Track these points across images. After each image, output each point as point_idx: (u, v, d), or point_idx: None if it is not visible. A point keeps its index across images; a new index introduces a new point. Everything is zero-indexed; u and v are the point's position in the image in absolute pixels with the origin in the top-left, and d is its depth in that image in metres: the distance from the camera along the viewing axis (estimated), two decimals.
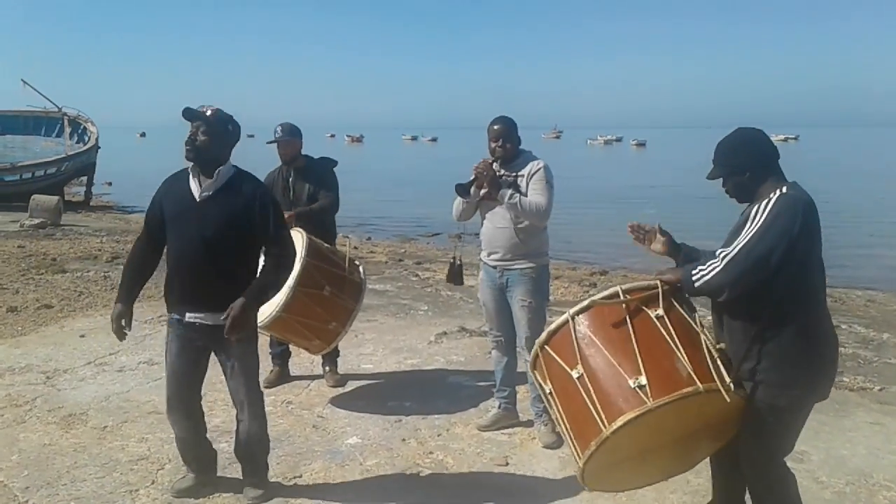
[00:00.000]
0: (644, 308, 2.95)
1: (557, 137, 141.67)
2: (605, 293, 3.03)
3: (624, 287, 3.01)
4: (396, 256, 12.78)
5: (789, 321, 2.83)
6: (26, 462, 4.14)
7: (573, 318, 3.01)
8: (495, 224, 4.43)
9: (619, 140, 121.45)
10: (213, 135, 3.47)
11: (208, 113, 3.48)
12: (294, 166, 5.39)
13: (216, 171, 3.48)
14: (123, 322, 3.61)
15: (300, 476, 4.04)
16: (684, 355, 2.82)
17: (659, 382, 2.78)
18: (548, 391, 3.12)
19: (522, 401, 4.86)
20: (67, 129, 23.17)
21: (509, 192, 4.27)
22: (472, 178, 4.36)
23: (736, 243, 2.79)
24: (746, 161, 2.96)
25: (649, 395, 2.76)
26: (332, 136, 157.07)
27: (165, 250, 3.61)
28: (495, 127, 4.44)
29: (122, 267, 10.07)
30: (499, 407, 4.76)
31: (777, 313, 2.82)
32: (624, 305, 2.95)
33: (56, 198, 16.12)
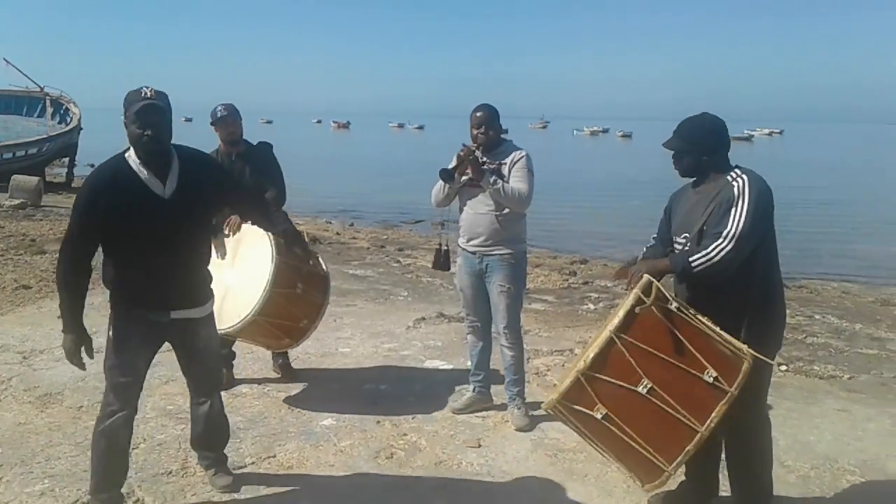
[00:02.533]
0: (665, 305, 2.99)
1: (544, 128, 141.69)
2: (630, 301, 2.97)
3: (635, 293, 3.00)
4: (379, 243, 12.81)
5: (767, 287, 3.17)
6: (0, 440, 4.14)
7: (618, 336, 2.95)
8: (476, 210, 4.47)
9: (605, 131, 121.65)
10: (168, 121, 3.08)
11: (151, 95, 3.04)
12: (234, 151, 5.02)
13: (171, 162, 3.13)
14: (84, 350, 3.32)
15: (274, 456, 4.07)
16: (715, 336, 2.96)
17: (724, 369, 2.92)
18: (600, 416, 2.99)
19: (496, 384, 4.90)
20: (49, 110, 22.93)
21: (493, 177, 4.32)
22: (454, 163, 4.38)
23: (735, 222, 2.99)
24: (713, 143, 3.23)
25: (725, 383, 2.89)
26: (319, 121, 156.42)
27: (120, 254, 3.21)
28: (478, 114, 4.47)
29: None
30: (473, 390, 4.81)
31: (761, 282, 3.14)
32: (653, 308, 2.96)
33: (37, 178, 15.99)
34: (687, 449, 2.92)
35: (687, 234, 3.22)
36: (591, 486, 3.84)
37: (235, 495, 3.63)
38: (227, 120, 5.00)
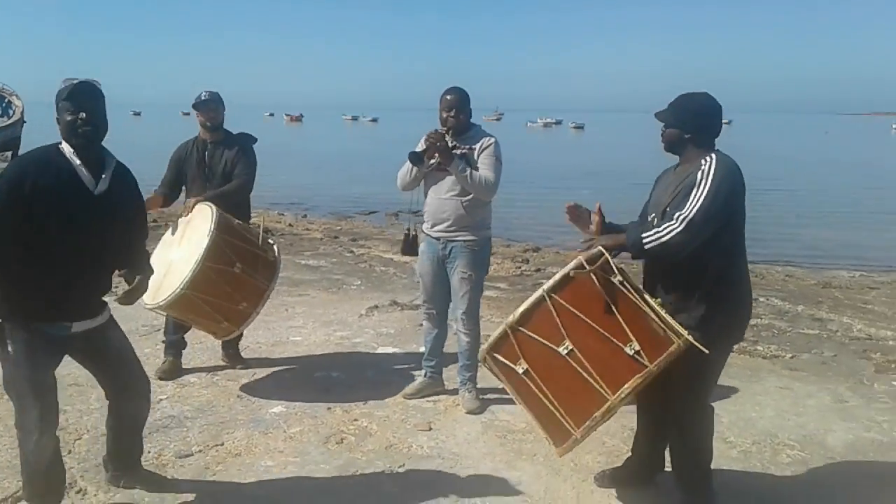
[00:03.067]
0: (606, 276, 3.00)
1: (498, 119, 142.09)
2: (571, 265, 3.01)
3: (578, 259, 3.03)
4: (332, 233, 12.74)
5: (727, 273, 3.14)
6: None
7: (549, 296, 2.99)
8: (440, 195, 4.44)
9: (558, 123, 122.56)
10: (103, 108, 2.94)
11: (80, 81, 2.91)
12: (212, 139, 5.04)
13: (104, 158, 3.00)
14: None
15: (222, 444, 4.03)
16: (652, 314, 2.97)
17: (649, 345, 2.93)
18: (521, 371, 3.06)
19: (448, 370, 4.92)
20: None
21: (461, 163, 4.30)
22: (423, 147, 4.36)
23: (691, 206, 2.96)
24: (698, 123, 3.22)
25: (646, 358, 2.90)
26: (272, 115, 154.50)
27: (33, 250, 2.86)
28: (448, 97, 4.43)
29: None
30: (425, 375, 4.82)
31: (719, 266, 3.10)
32: (593, 276, 2.98)
33: None
34: (595, 415, 2.93)
35: (654, 214, 3.24)
36: (539, 465, 3.88)
37: (182, 483, 3.59)
38: (210, 105, 5.05)
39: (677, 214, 2.97)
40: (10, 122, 22.13)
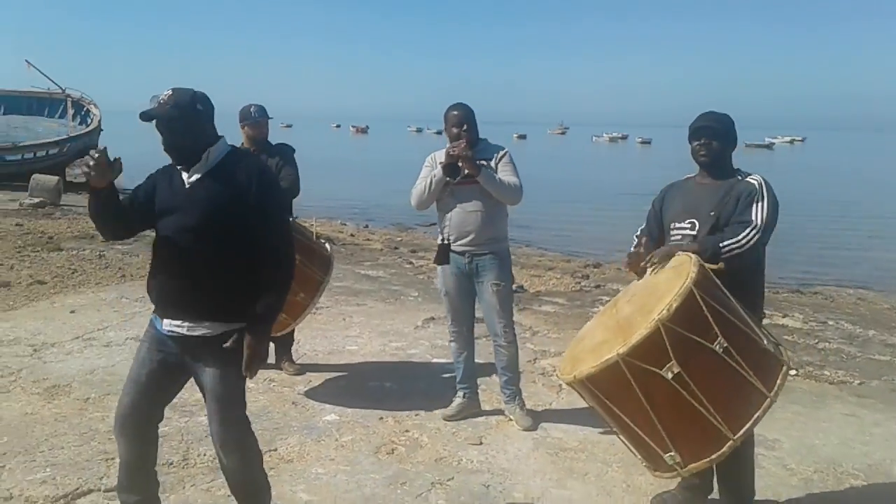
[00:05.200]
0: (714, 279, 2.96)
1: (563, 133, 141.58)
2: (695, 259, 2.88)
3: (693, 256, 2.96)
4: (392, 244, 12.85)
5: (761, 280, 3.36)
6: (6, 429, 4.19)
7: (697, 290, 2.72)
8: (466, 209, 4.40)
9: (624, 138, 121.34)
10: (183, 125, 2.84)
11: (165, 102, 2.83)
12: (256, 149, 5.11)
13: (205, 153, 2.88)
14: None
15: (275, 449, 4.09)
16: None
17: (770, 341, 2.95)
18: (671, 376, 2.68)
19: (485, 391, 4.88)
20: (70, 111, 23.22)
21: (489, 171, 4.32)
22: (448, 161, 4.35)
23: (761, 213, 3.13)
24: (735, 138, 3.42)
25: (780, 353, 2.93)
26: (338, 126, 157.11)
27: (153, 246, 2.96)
28: (455, 112, 4.45)
29: (118, 246, 10.14)
30: (462, 396, 4.71)
31: (755, 284, 3.31)
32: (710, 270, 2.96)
33: (56, 178, 16.20)
34: (757, 415, 2.72)
35: (693, 220, 3.29)
36: (590, 484, 3.82)
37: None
38: (260, 121, 5.22)
39: (755, 221, 3.10)
40: (88, 129, 23.05)
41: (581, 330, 3.47)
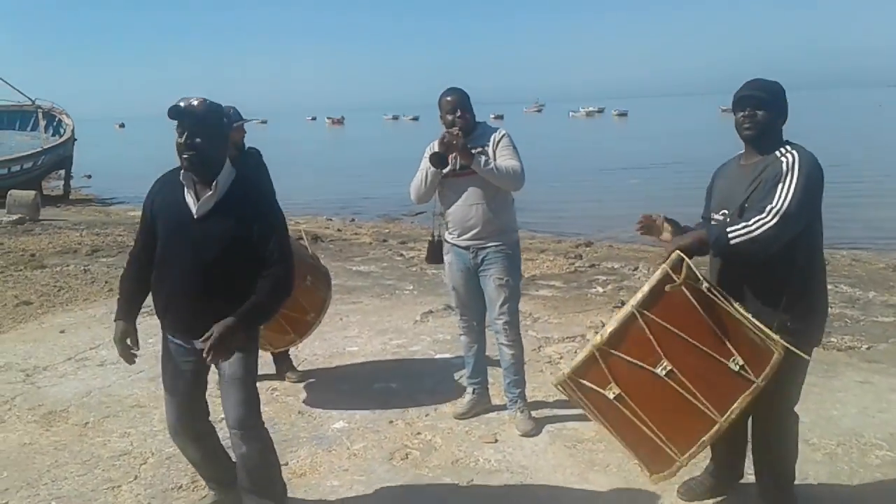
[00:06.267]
0: (695, 285, 2.79)
1: (539, 111, 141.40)
2: (657, 276, 2.78)
3: (663, 268, 2.81)
4: (381, 237, 12.70)
5: (809, 275, 2.98)
6: (5, 463, 4.04)
7: (640, 312, 2.74)
8: (467, 202, 4.21)
9: (600, 111, 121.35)
10: (210, 134, 2.88)
11: (197, 105, 2.86)
12: (235, 157, 5.03)
13: (215, 182, 2.91)
14: (129, 342, 3.12)
15: (286, 464, 3.95)
16: (746, 322, 2.79)
17: (752, 358, 2.75)
18: (612, 396, 2.79)
19: (493, 384, 4.76)
20: (42, 122, 22.85)
21: (483, 158, 4.09)
22: (439, 150, 4.11)
23: (782, 197, 2.78)
24: (786, 107, 3.05)
25: (752, 373, 2.72)
26: (314, 118, 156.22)
27: (156, 265, 3.06)
28: (448, 98, 4.23)
29: (102, 259, 9.97)
30: (472, 392, 4.60)
31: (805, 263, 2.95)
32: (683, 287, 2.75)
33: (33, 192, 15.88)
34: (702, 440, 2.76)
35: (726, 210, 3.04)
36: (613, 476, 3.74)
37: None
38: (239, 125, 4.98)
39: (769, 207, 2.77)
40: (61, 140, 22.72)
41: None
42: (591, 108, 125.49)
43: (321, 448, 4.16)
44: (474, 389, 4.60)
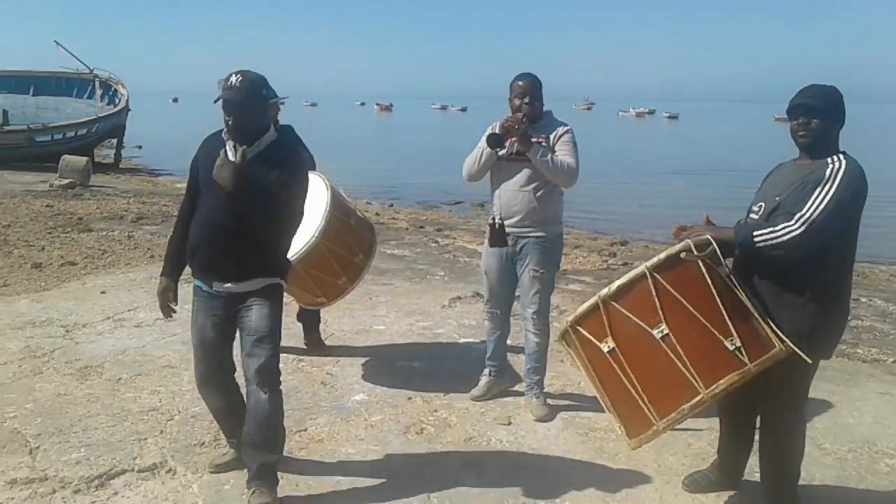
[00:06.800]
0: (715, 267, 2.86)
1: (589, 109, 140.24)
2: (679, 246, 2.86)
3: (686, 242, 2.88)
4: (417, 223, 12.82)
5: (836, 280, 2.99)
6: (40, 410, 4.24)
7: (651, 274, 2.80)
8: (516, 187, 4.23)
9: (651, 112, 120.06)
10: (252, 110, 3.17)
11: (236, 84, 3.13)
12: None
13: (258, 142, 3.20)
14: (170, 296, 3.39)
15: (305, 430, 4.11)
16: (756, 314, 2.85)
17: (751, 344, 2.80)
18: (606, 349, 2.88)
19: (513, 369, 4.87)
20: (98, 91, 23.37)
21: (541, 148, 4.10)
22: (500, 131, 4.13)
23: (814, 206, 2.80)
24: (843, 113, 3.04)
25: (746, 357, 2.77)
26: (363, 104, 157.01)
27: (197, 211, 3.33)
28: (520, 83, 4.24)
29: (146, 227, 10.29)
30: (489, 374, 4.67)
31: (830, 272, 2.95)
32: (700, 263, 2.82)
33: (85, 159, 16.32)
34: (683, 407, 2.78)
35: (762, 204, 3.07)
36: (621, 464, 3.81)
37: None
38: (275, 104, 5.11)
39: (798, 215, 2.81)
40: (115, 109, 23.16)
41: None
42: (641, 109, 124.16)
43: (340, 417, 4.29)
44: (491, 371, 4.68)
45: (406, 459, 3.83)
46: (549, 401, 4.49)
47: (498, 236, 4.37)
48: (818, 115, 2.98)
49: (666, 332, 2.78)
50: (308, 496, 3.45)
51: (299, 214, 3.37)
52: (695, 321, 2.79)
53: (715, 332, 2.78)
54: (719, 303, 2.80)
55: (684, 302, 2.80)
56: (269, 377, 3.25)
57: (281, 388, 3.33)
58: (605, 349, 2.89)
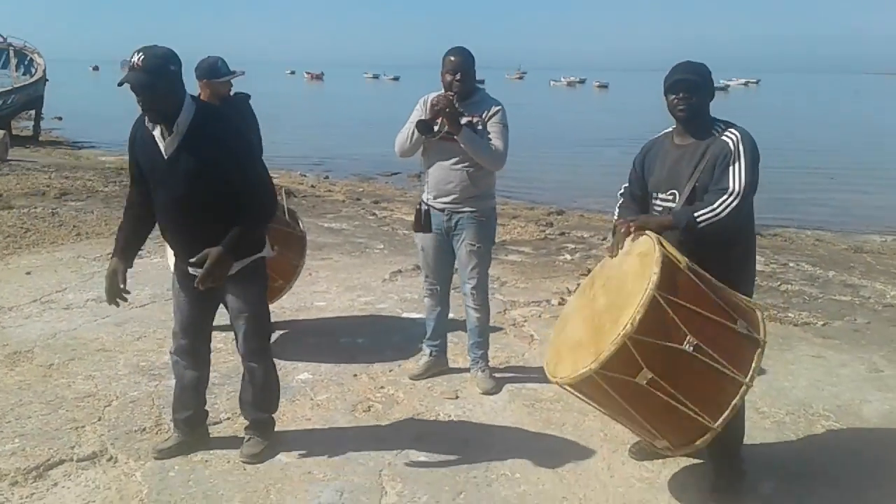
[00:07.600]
0: (684, 261, 2.90)
1: (521, 78, 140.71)
2: (657, 255, 2.80)
3: (659, 250, 2.85)
4: (354, 195, 12.69)
5: (748, 243, 3.27)
6: None
7: (659, 294, 2.74)
8: (446, 165, 4.19)
9: (582, 82, 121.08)
10: (159, 88, 3.03)
11: (138, 63, 3.00)
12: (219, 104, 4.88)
13: (175, 124, 3.08)
14: (119, 279, 3.30)
15: None
16: (728, 289, 2.97)
17: (749, 319, 2.91)
18: (644, 382, 2.77)
19: (457, 343, 4.87)
20: (13, 61, 22.30)
21: (469, 132, 4.07)
22: (430, 115, 4.09)
23: (737, 179, 3.01)
24: (713, 88, 3.23)
25: (756, 331, 2.88)
26: (292, 72, 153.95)
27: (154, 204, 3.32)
28: (452, 58, 4.15)
29: (71, 203, 9.87)
30: (430, 354, 4.65)
31: (745, 237, 3.23)
32: (682, 265, 2.86)
33: (2, 132, 15.54)
34: (734, 402, 2.82)
35: (674, 191, 3.16)
36: (568, 434, 3.85)
37: (211, 452, 3.59)
38: (227, 77, 5.10)
39: (729, 190, 2.99)
40: (32, 80, 22.14)
41: (564, 308, 3.58)
42: (572, 78, 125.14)
43: (285, 398, 4.17)
44: (432, 352, 4.65)
45: (354, 438, 3.79)
46: (494, 374, 4.50)
47: (424, 222, 4.34)
48: (695, 91, 3.15)
49: (694, 342, 2.77)
50: (255, 480, 3.38)
51: (260, 176, 3.29)
52: (709, 321, 2.83)
53: (726, 322, 2.84)
54: (711, 295, 2.87)
55: (692, 307, 2.82)
56: (257, 352, 3.50)
57: (271, 352, 3.62)
58: (644, 381, 2.79)
